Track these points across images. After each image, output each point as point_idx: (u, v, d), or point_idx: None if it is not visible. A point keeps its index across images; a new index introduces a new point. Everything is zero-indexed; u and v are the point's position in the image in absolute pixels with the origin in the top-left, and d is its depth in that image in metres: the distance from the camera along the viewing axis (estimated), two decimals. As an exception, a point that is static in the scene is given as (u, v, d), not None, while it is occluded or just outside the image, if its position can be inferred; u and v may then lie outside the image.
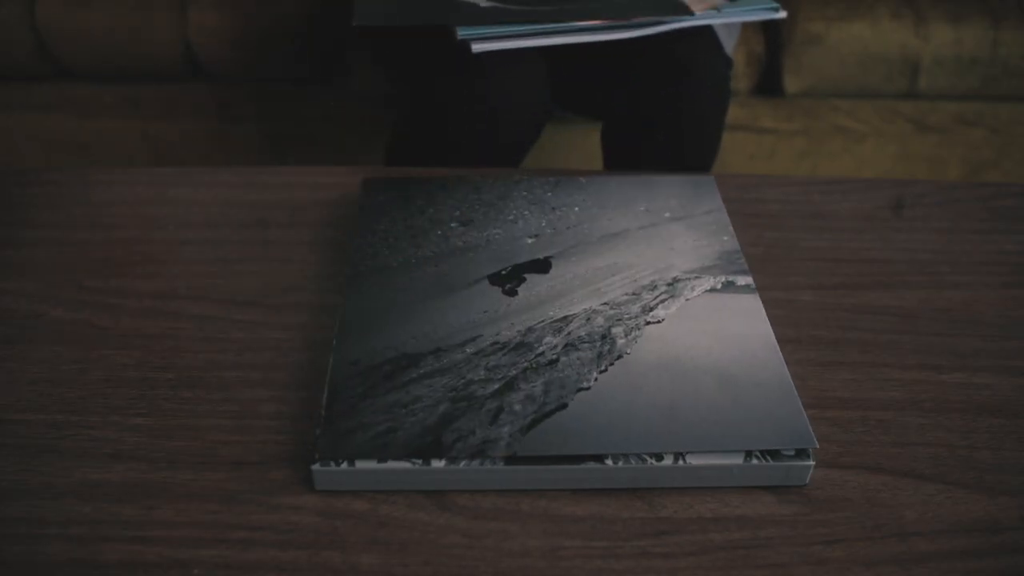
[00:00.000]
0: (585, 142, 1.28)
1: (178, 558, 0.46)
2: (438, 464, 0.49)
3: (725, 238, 0.65)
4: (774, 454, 0.50)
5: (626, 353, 0.56)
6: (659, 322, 0.58)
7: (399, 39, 0.76)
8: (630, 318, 0.58)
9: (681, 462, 0.50)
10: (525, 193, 0.71)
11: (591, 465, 0.49)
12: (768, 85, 1.38)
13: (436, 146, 0.86)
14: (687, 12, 0.77)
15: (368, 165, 0.73)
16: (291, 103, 1.39)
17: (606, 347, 0.56)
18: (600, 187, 0.72)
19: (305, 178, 0.76)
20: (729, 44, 1.02)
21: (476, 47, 0.73)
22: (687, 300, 0.60)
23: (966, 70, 1.33)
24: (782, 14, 0.78)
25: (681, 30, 0.79)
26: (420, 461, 0.49)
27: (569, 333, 0.57)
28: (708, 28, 0.89)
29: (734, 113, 1.37)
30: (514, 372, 0.54)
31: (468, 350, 0.56)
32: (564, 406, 0.52)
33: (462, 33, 0.74)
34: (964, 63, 1.32)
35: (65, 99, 1.40)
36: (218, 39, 1.32)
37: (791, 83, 1.36)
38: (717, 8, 0.79)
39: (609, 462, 0.49)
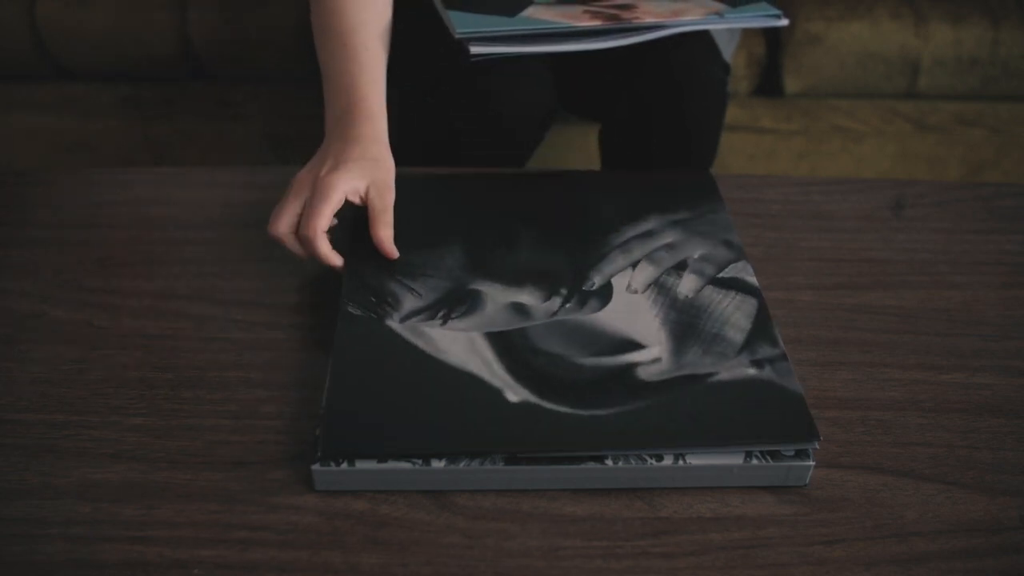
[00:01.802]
0: (585, 142, 1.28)
1: (178, 558, 0.46)
2: (438, 464, 0.49)
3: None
4: (774, 454, 0.50)
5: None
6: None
7: (404, 41, 0.76)
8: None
9: (681, 462, 0.50)
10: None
11: (591, 465, 0.49)
12: (768, 85, 1.38)
13: (441, 146, 0.86)
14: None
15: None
16: (291, 103, 1.39)
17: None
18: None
19: (305, 178, 0.76)
20: (728, 50, 1.02)
21: (474, 49, 0.73)
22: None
23: (966, 70, 1.33)
24: (784, 21, 0.78)
25: (680, 36, 0.79)
26: (420, 461, 0.49)
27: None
28: (706, 34, 0.89)
29: (734, 113, 1.37)
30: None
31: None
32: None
33: (460, 31, 0.74)
34: (964, 63, 1.32)
35: (65, 99, 1.39)
36: (218, 39, 1.32)
37: (791, 83, 1.35)
38: (719, 13, 0.78)
39: (609, 462, 0.49)
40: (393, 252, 0.62)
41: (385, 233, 0.62)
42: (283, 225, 0.61)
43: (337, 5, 0.71)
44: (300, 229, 0.61)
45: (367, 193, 0.63)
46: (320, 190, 0.61)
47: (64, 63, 1.35)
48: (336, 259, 0.62)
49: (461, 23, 0.75)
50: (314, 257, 0.62)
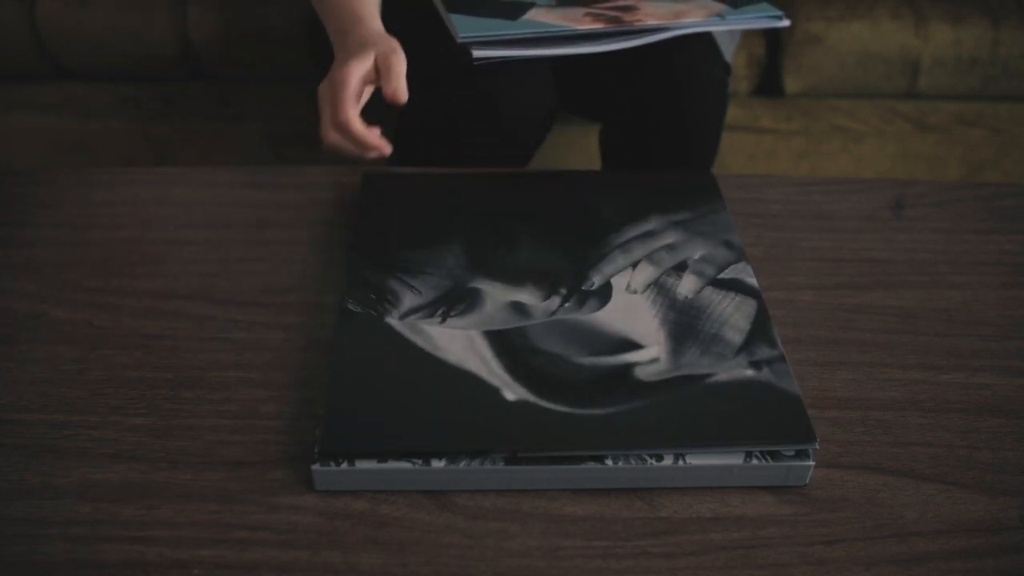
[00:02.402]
0: (585, 142, 1.28)
1: (178, 558, 0.46)
2: (438, 464, 0.49)
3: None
4: (774, 454, 0.50)
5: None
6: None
7: (405, 41, 0.76)
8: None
9: (681, 462, 0.50)
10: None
11: (591, 465, 0.49)
12: (768, 85, 1.38)
13: (442, 147, 0.86)
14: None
15: (368, 166, 0.73)
16: (291, 103, 1.39)
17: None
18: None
19: (305, 178, 0.76)
20: (729, 50, 1.02)
21: (476, 53, 0.73)
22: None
23: (966, 70, 1.33)
24: (785, 22, 0.78)
25: (681, 37, 0.79)
26: (420, 461, 0.49)
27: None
28: (707, 34, 0.89)
29: (734, 113, 1.37)
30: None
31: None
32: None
33: (462, 35, 0.74)
34: (964, 63, 1.32)
35: (65, 99, 1.39)
36: (218, 39, 1.32)
37: (791, 83, 1.36)
38: (720, 15, 0.78)
39: (609, 462, 0.49)
40: (403, 90, 0.66)
41: (397, 83, 0.66)
42: (329, 133, 0.66)
43: None
44: (333, 123, 0.65)
45: (375, 61, 0.67)
46: (336, 84, 0.65)
47: (64, 63, 1.35)
48: (375, 138, 0.66)
49: (463, 27, 0.75)
50: (360, 145, 0.66)
